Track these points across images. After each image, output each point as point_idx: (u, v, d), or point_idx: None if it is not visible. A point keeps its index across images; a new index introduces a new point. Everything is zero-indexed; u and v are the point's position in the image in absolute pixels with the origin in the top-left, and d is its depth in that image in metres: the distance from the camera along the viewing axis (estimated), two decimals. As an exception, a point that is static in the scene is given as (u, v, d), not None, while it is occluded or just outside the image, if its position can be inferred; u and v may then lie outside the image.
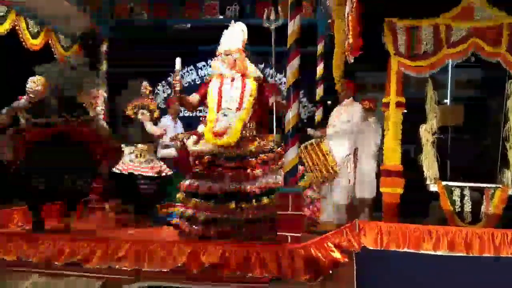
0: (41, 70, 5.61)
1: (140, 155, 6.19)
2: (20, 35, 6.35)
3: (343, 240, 4.50)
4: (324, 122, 7.30)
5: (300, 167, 5.47)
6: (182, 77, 6.12)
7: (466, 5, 5.98)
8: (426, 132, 6.18)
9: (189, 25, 8.67)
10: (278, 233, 4.60)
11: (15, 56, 6.88)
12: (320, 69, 7.89)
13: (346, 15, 5.86)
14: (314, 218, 5.95)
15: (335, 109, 6.55)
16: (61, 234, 5.07)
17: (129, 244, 4.64)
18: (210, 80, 5.29)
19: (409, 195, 6.10)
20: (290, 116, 4.68)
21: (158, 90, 9.78)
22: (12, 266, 4.75)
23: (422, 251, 4.61)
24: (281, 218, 4.60)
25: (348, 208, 6.17)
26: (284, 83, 8.12)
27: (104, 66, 7.96)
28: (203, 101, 5.33)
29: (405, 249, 4.62)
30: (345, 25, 5.96)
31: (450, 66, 7.75)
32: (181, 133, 5.67)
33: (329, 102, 8.13)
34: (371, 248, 4.60)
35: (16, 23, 6.23)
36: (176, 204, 5.34)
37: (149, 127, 6.30)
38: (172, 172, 6.34)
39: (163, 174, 6.24)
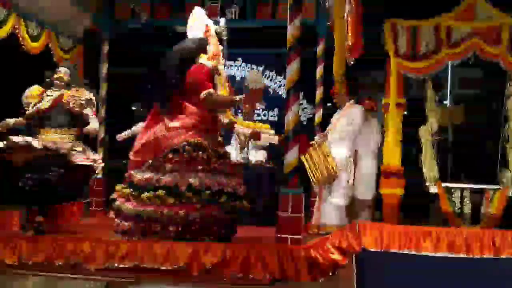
0: None
1: None
2: (20, 38, 6.33)
3: (343, 241, 4.51)
4: (323, 124, 7.28)
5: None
6: None
7: (467, 6, 5.99)
8: (426, 133, 6.18)
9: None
10: (278, 235, 4.62)
11: (13, 59, 6.88)
12: (320, 70, 7.87)
13: (346, 16, 5.86)
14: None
15: (335, 113, 6.54)
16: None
17: (127, 245, 4.65)
18: None
19: (409, 196, 6.10)
20: (290, 118, 4.69)
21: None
22: (11, 268, 4.74)
23: (422, 252, 4.60)
24: (282, 219, 4.61)
25: (348, 209, 6.17)
26: (284, 85, 8.16)
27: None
28: None
29: (405, 250, 4.62)
30: (345, 26, 5.95)
31: (450, 66, 7.75)
32: None
33: (328, 104, 8.11)
34: (371, 249, 4.60)
35: (16, 26, 6.22)
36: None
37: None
38: None
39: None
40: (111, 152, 8.22)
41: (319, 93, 7.92)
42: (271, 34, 7.34)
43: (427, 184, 6.11)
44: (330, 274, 4.39)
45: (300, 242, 4.56)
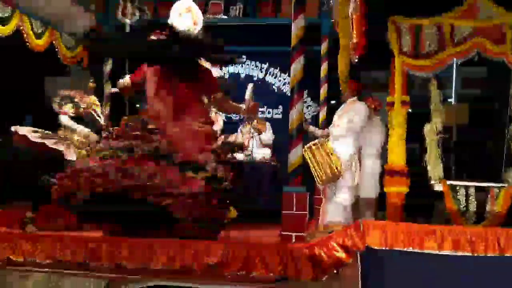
0: None
1: None
2: (24, 36, 6.35)
3: (347, 240, 4.49)
4: (327, 122, 7.29)
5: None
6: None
7: (471, 4, 5.96)
8: (431, 132, 6.17)
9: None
10: (283, 232, 4.61)
11: (17, 56, 6.89)
12: (324, 68, 7.88)
13: (350, 14, 5.85)
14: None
15: (338, 109, 6.54)
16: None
17: (128, 244, 4.63)
18: None
19: (414, 195, 6.09)
20: (294, 116, 4.69)
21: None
22: (13, 265, 4.74)
23: (426, 251, 4.59)
24: (286, 217, 4.61)
25: (352, 207, 6.16)
26: (288, 83, 8.15)
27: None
28: None
29: (410, 249, 4.61)
30: (349, 24, 5.95)
31: (454, 65, 7.74)
32: None
33: (332, 102, 8.11)
34: (376, 247, 4.59)
35: (20, 24, 6.23)
36: None
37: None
38: None
39: None
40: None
41: (323, 91, 7.93)
42: (275, 32, 7.33)
43: (432, 182, 6.10)
44: (335, 272, 4.38)
45: (304, 240, 4.55)
